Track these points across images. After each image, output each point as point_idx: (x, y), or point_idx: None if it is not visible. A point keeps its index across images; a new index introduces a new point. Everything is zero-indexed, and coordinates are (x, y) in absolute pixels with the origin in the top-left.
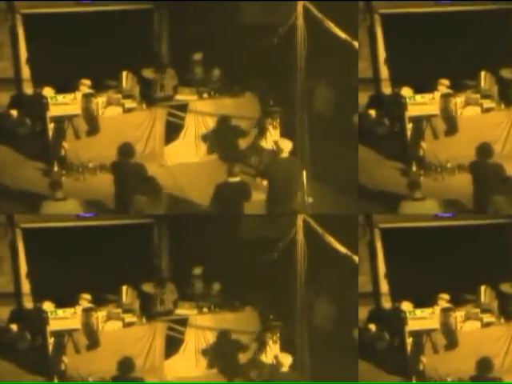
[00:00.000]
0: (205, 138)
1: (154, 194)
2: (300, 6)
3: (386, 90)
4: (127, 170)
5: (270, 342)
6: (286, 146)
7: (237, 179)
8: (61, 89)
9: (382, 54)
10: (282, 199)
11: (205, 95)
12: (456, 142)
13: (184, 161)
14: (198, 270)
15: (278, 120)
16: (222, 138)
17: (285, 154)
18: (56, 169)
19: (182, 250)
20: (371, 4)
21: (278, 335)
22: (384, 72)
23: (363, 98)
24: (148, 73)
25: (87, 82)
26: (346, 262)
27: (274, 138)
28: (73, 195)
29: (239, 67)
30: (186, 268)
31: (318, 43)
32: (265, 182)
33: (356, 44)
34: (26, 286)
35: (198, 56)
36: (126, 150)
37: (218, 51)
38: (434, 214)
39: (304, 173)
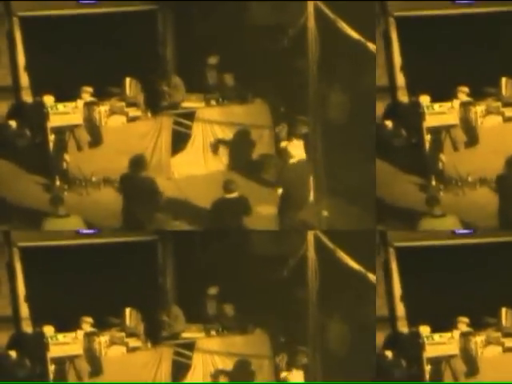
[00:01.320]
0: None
1: (162, 208)
2: (311, 6)
3: (403, 98)
4: (137, 184)
5: (282, 367)
6: (297, 149)
7: (234, 195)
8: (61, 97)
9: (397, 61)
10: (294, 207)
11: (213, 102)
12: (477, 153)
13: (192, 173)
14: (204, 290)
15: (290, 128)
16: (234, 148)
17: (295, 159)
18: (57, 183)
19: (187, 268)
20: (386, 6)
21: (290, 359)
22: (400, 79)
23: (379, 107)
24: (153, 79)
25: (89, 89)
26: (360, 281)
27: (284, 144)
28: (75, 211)
29: (248, 72)
30: (192, 288)
31: (331, 45)
32: (279, 191)
33: (371, 46)
34: (24, 310)
35: (213, 60)
36: (137, 163)
37: (226, 55)
38: (452, 230)
39: (313, 181)
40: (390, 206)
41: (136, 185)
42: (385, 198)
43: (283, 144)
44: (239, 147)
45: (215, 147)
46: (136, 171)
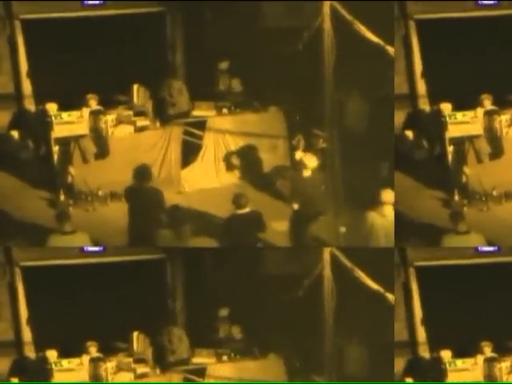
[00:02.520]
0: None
1: (174, 225)
2: (327, 7)
3: (424, 107)
4: (143, 196)
5: None
6: (310, 162)
7: (246, 210)
8: (66, 105)
9: (418, 67)
10: (307, 223)
11: (224, 110)
12: (502, 166)
13: (203, 186)
14: (216, 312)
15: (306, 139)
16: (247, 160)
17: (309, 172)
18: (62, 198)
19: (198, 289)
20: (405, 8)
21: None
22: (421, 87)
23: (399, 116)
24: (161, 86)
25: (95, 96)
26: (379, 302)
27: (299, 156)
28: (82, 228)
29: (262, 78)
30: (203, 310)
31: (348, 49)
32: (295, 206)
33: (390, 49)
34: (27, 333)
35: (220, 66)
36: (141, 173)
37: (238, 60)
38: (476, 248)
39: (329, 195)
40: (410, 222)
41: (141, 197)
42: (405, 213)
43: (298, 155)
44: (252, 159)
45: (228, 162)
46: (141, 183)
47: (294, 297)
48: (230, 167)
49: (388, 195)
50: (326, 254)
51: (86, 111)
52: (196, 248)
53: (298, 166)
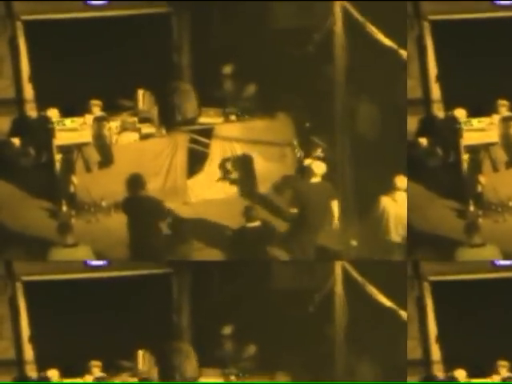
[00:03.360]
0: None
1: (176, 236)
2: (338, 7)
3: (438, 113)
4: (140, 206)
5: None
6: (319, 169)
7: (256, 224)
8: (68, 111)
9: (432, 70)
10: (309, 232)
11: (232, 117)
12: None
13: (210, 196)
14: (223, 329)
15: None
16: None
17: (317, 179)
18: (64, 209)
19: (205, 304)
20: (419, 8)
21: None
22: (435, 91)
23: (412, 123)
24: (167, 90)
25: (98, 102)
26: (391, 318)
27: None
28: (84, 240)
29: (270, 82)
30: (211, 326)
31: (360, 52)
32: (294, 210)
33: (404, 53)
34: (28, 352)
35: (227, 69)
36: (134, 182)
37: (246, 63)
38: (492, 261)
39: (339, 206)
40: (422, 234)
41: (139, 208)
42: (417, 224)
43: (307, 162)
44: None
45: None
46: (135, 192)
47: (304, 312)
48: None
49: (401, 181)
50: (338, 268)
51: (89, 118)
52: (203, 262)
53: (306, 172)
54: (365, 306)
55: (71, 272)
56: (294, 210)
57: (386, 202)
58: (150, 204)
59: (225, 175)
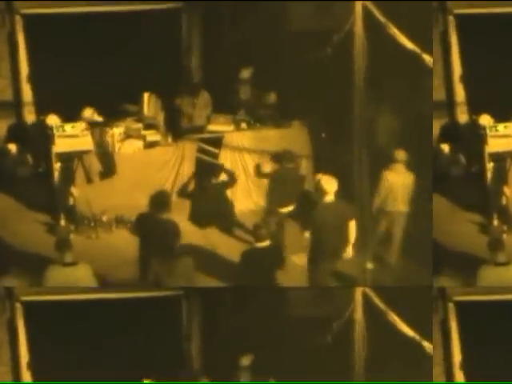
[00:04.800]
0: None
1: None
2: (359, 7)
3: (462, 117)
4: (156, 228)
5: None
6: (330, 186)
7: (265, 244)
8: (69, 115)
9: (457, 69)
10: (327, 257)
11: (243, 125)
12: None
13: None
14: (237, 359)
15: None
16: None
17: (329, 197)
18: (63, 223)
19: (216, 331)
20: (445, 2)
21: None
22: (459, 93)
23: (434, 128)
24: (175, 95)
25: (101, 106)
26: (415, 350)
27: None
28: (84, 258)
29: (284, 88)
30: (222, 355)
31: (381, 56)
32: (307, 234)
33: (428, 58)
34: (27, 378)
35: (243, 73)
36: (160, 201)
37: (260, 67)
38: None
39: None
40: (443, 250)
41: (154, 229)
42: (438, 239)
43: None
44: (273, 181)
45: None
46: (156, 211)
47: (322, 342)
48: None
49: (401, 154)
50: (358, 294)
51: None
52: (214, 287)
53: (317, 190)
54: (386, 336)
55: (74, 292)
56: (307, 235)
57: (391, 176)
58: (166, 227)
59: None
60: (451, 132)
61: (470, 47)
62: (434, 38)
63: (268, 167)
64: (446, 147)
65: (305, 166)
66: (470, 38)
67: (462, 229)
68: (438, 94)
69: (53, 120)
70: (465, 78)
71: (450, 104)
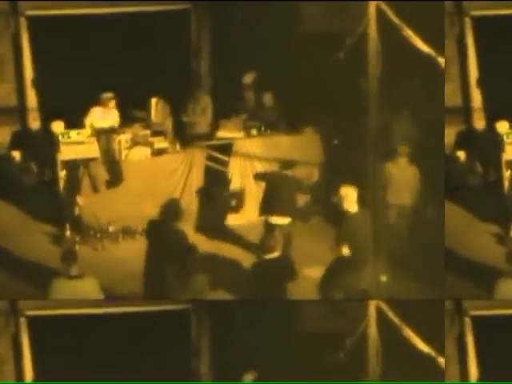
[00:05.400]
0: None
1: (194, 271)
2: (372, 8)
3: (479, 123)
4: (165, 237)
5: None
6: (350, 195)
7: (275, 255)
8: (74, 121)
9: (473, 73)
10: (349, 271)
11: (253, 131)
12: None
13: (228, 223)
14: (247, 375)
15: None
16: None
17: (351, 208)
18: (68, 234)
19: (226, 346)
20: (461, 2)
21: None
22: (476, 98)
23: (449, 134)
24: (184, 100)
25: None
26: (429, 366)
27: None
28: (90, 271)
29: (297, 92)
30: (233, 371)
31: (396, 59)
32: (345, 251)
33: (441, 60)
34: None
35: (253, 77)
36: (171, 210)
37: (271, 70)
38: None
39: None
40: (460, 262)
41: (164, 238)
42: (453, 250)
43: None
44: (283, 190)
45: None
46: (168, 220)
47: (334, 359)
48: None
49: (403, 148)
50: (372, 308)
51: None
52: (224, 300)
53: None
54: (401, 352)
55: (80, 306)
56: (346, 251)
57: (390, 167)
58: (176, 237)
59: None
60: (467, 139)
61: (487, 50)
62: (449, 41)
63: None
64: (461, 155)
65: (317, 174)
66: (487, 40)
67: (479, 240)
68: (454, 100)
69: (58, 126)
70: (481, 83)
71: (466, 110)
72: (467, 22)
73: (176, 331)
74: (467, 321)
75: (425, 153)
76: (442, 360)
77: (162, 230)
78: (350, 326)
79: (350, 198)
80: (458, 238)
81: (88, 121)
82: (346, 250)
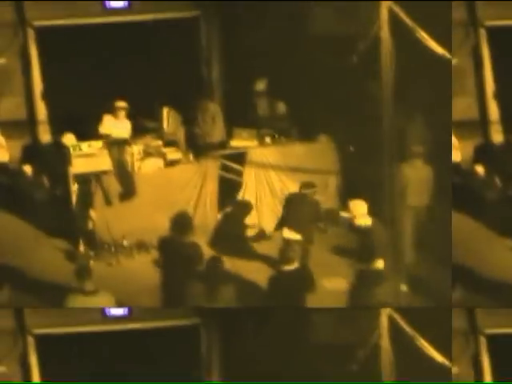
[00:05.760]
0: None
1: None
2: (384, 9)
3: (496, 136)
4: (180, 250)
5: None
6: (359, 209)
7: (293, 266)
8: (85, 133)
9: (490, 86)
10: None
11: (267, 140)
12: None
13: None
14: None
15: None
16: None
17: (361, 222)
18: (82, 249)
19: (237, 360)
20: (475, 13)
21: None
22: (493, 111)
23: (467, 147)
24: (195, 108)
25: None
26: (444, 377)
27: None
28: (105, 287)
29: (309, 99)
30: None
31: (410, 62)
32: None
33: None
34: None
35: (260, 85)
36: (181, 223)
37: (283, 76)
38: None
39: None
40: (479, 279)
41: (177, 252)
42: (473, 267)
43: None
44: (298, 200)
45: None
46: (178, 234)
47: (346, 370)
48: None
49: (418, 149)
50: (384, 317)
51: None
52: (234, 310)
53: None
54: (414, 363)
55: (88, 324)
56: (380, 264)
57: (406, 169)
58: (189, 250)
59: None
60: (485, 153)
61: (504, 61)
62: (463, 52)
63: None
64: (480, 169)
65: (332, 184)
66: (503, 51)
67: (499, 257)
68: (471, 113)
69: (69, 139)
70: (498, 95)
71: (483, 123)
72: (482, 32)
73: (186, 345)
74: (482, 339)
75: (439, 155)
76: (455, 369)
77: (174, 245)
78: (362, 336)
79: (360, 211)
80: (477, 256)
81: (102, 129)
82: (381, 264)
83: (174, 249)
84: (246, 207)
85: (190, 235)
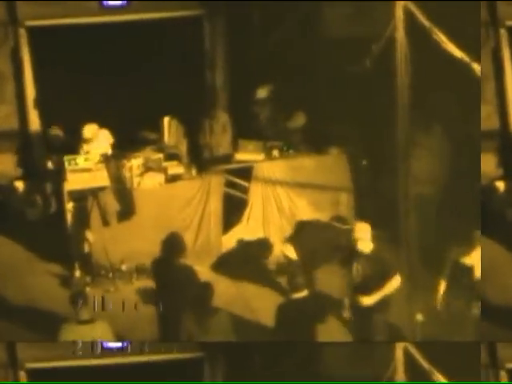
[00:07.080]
0: None
1: (206, 312)
2: (400, 9)
3: None
4: (173, 274)
5: None
6: (363, 232)
7: (303, 294)
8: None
9: (511, 92)
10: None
11: (275, 153)
12: None
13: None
14: None
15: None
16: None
17: (363, 247)
18: (78, 274)
19: None
20: (496, 12)
21: None
22: None
23: (488, 162)
24: (199, 118)
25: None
26: None
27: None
28: (102, 315)
29: (320, 108)
30: None
31: (427, 67)
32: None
33: (477, 68)
34: None
35: (262, 93)
36: (172, 245)
37: (291, 83)
38: None
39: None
40: (498, 308)
41: (170, 277)
42: (492, 294)
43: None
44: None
45: None
46: (171, 257)
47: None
48: None
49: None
50: (399, 351)
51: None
52: (240, 345)
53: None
54: None
55: (85, 357)
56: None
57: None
58: (182, 274)
59: None
60: (507, 167)
61: None
62: (484, 56)
63: None
64: (501, 185)
65: (344, 201)
66: None
67: None
68: (491, 123)
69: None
70: None
71: (504, 133)
72: (503, 33)
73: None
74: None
75: (462, 174)
76: None
77: (166, 268)
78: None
79: (362, 236)
80: (497, 281)
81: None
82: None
83: (167, 272)
84: None
85: (182, 257)
